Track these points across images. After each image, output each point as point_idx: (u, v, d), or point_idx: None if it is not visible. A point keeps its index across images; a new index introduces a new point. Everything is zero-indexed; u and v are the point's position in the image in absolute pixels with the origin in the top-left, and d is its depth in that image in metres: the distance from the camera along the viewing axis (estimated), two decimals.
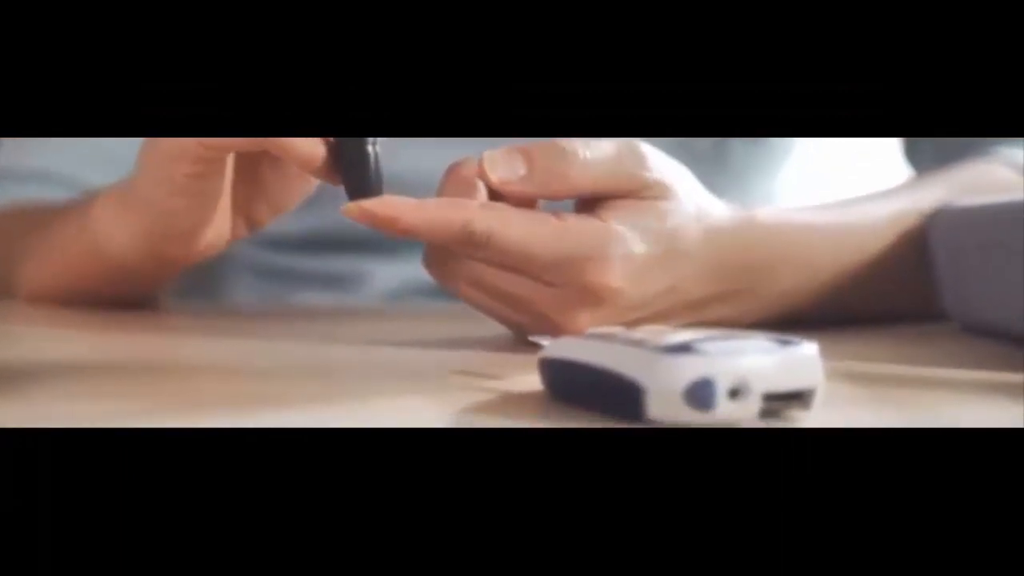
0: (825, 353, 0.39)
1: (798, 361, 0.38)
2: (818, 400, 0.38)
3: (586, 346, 0.40)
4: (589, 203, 0.53)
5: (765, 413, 0.37)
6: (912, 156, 0.83)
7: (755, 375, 0.37)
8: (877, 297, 0.63)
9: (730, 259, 0.56)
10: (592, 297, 0.51)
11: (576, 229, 0.51)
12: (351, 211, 0.51)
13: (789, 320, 0.59)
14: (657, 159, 0.53)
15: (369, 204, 0.51)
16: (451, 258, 0.52)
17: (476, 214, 0.50)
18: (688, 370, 0.37)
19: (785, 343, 0.38)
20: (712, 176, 0.60)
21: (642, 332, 0.41)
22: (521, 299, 0.52)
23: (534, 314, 0.52)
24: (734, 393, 0.37)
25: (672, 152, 0.55)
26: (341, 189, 0.52)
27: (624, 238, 0.51)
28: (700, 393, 0.36)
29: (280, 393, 0.44)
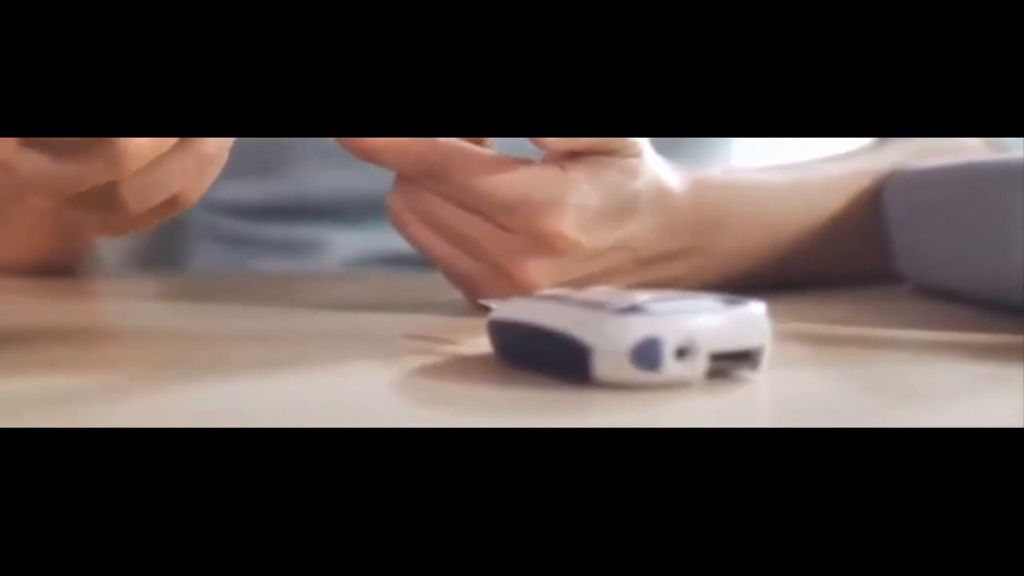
0: (778, 314, 0.39)
1: (745, 320, 0.38)
2: (766, 360, 0.38)
3: (534, 308, 0.40)
4: (559, 156, 0.53)
5: (713, 373, 0.37)
6: None
7: (702, 335, 0.37)
8: (830, 257, 0.63)
9: (680, 218, 0.56)
10: (543, 244, 0.51)
11: (535, 174, 0.52)
12: None
13: (743, 281, 0.59)
14: None
15: None
16: (412, 195, 0.53)
17: (438, 144, 0.51)
18: (635, 330, 0.36)
19: (733, 303, 0.38)
20: (671, 145, 0.60)
21: (590, 293, 0.41)
22: (475, 242, 0.52)
23: (486, 260, 0.52)
24: (681, 353, 0.37)
25: None
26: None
27: (581, 188, 0.52)
28: (647, 353, 0.36)
29: (233, 356, 0.44)
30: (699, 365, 0.37)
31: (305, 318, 0.54)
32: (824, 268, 0.63)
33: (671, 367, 0.37)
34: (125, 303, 0.64)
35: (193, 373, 0.41)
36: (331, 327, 0.52)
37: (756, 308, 0.38)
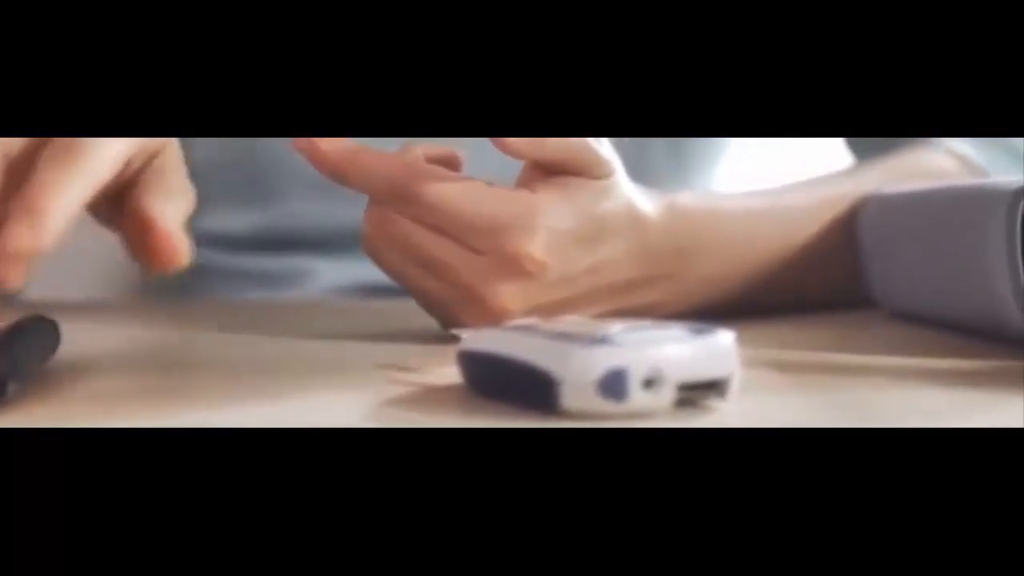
0: (751, 341, 0.39)
1: (713, 350, 0.38)
2: (734, 389, 0.38)
3: (502, 338, 0.40)
4: (531, 178, 0.53)
5: (680, 403, 0.37)
6: (855, 146, 0.82)
7: (669, 365, 0.37)
8: (805, 283, 0.63)
9: (653, 244, 0.56)
10: (514, 267, 0.51)
11: (504, 195, 0.52)
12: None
13: (717, 308, 0.59)
14: (603, 143, 0.54)
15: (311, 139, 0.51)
16: (384, 221, 0.53)
17: (406, 166, 0.52)
18: (601, 361, 0.37)
19: (700, 332, 0.38)
20: (666, 168, 0.60)
21: (559, 324, 0.41)
22: (445, 265, 0.52)
23: (457, 284, 0.52)
24: (648, 383, 0.37)
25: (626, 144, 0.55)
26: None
27: (552, 210, 0.52)
28: (613, 384, 0.36)
29: (200, 386, 0.44)
30: (666, 395, 0.37)
31: (279, 347, 0.54)
32: (799, 294, 0.63)
33: (638, 398, 0.37)
34: (104, 332, 0.64)
35: (159, 403, 0.41)
36: (305, 356, 0.52)
37: (724, 337, 0.38)
